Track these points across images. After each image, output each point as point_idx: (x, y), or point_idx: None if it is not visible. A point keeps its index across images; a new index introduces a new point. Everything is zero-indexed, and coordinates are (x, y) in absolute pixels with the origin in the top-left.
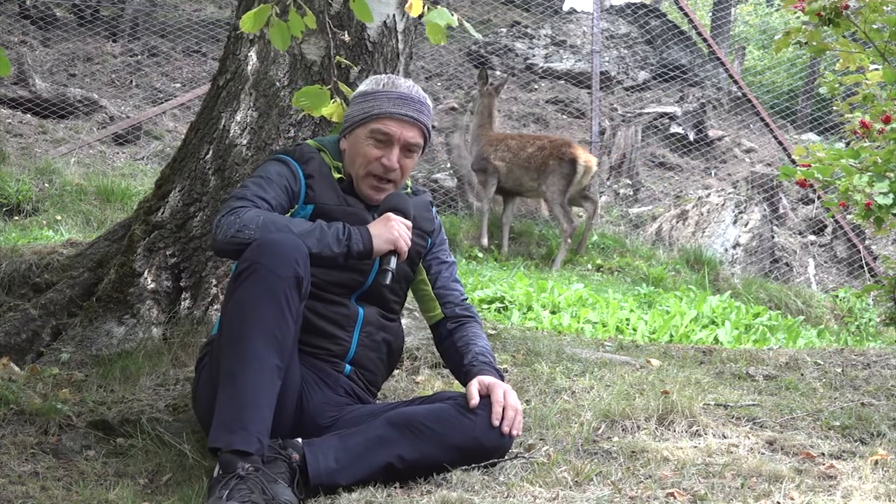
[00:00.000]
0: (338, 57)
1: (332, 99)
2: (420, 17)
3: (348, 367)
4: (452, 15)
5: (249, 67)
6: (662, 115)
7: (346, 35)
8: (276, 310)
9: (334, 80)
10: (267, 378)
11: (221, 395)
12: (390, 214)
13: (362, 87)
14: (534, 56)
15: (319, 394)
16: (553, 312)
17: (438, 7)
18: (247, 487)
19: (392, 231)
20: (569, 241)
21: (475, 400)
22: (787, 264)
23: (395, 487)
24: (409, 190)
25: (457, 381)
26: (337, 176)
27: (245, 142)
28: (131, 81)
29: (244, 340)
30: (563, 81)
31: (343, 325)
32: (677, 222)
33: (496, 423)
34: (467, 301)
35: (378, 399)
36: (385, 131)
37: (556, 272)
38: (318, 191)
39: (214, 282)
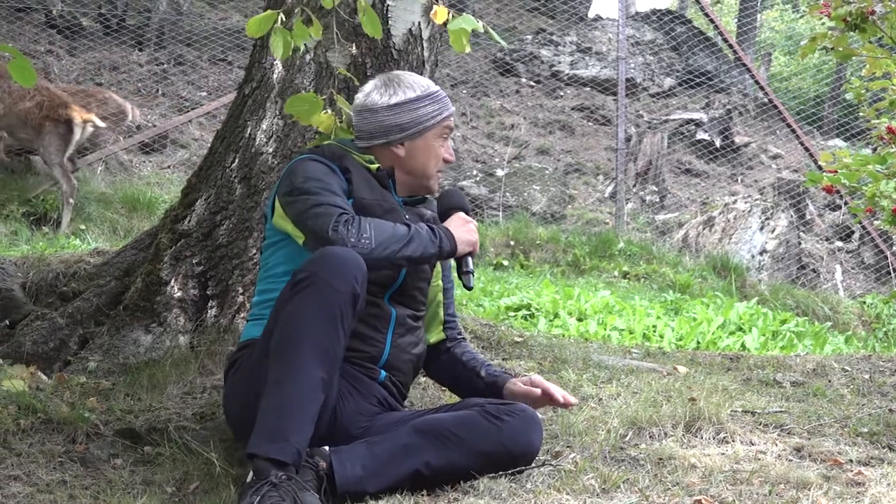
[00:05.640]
0: (341, 69)
1: (324, 109)
2: (444, 24)
3: (383, 373)
4: (478, 22)
5: (275, 76)
6: (688, 121)
7: (354, 47)
8: (330, 324)
9: (330, 91)
10: (313, 391)
11: (266, 403)
12: (464, 215)
13: (409, 93)
14: (559, 63)
15: (352, 403)
16: (580, 319)
17: (463, 14)
18: (278, 495)
19: (472, 233)
20: (71, 201)
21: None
22: (814, 270)
23: (422, 495)
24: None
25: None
26: (374, 167)
27: (271, 150)
28: (157, 90)
29: (295, 351)
30: (588, 88)
31: (377, 327)
32: (704, 229)
33: (560, 398)
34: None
35: (405, 406)
36: (451, 126)
37: (63, 234)
38: (356, 185)
39: (241, 290)
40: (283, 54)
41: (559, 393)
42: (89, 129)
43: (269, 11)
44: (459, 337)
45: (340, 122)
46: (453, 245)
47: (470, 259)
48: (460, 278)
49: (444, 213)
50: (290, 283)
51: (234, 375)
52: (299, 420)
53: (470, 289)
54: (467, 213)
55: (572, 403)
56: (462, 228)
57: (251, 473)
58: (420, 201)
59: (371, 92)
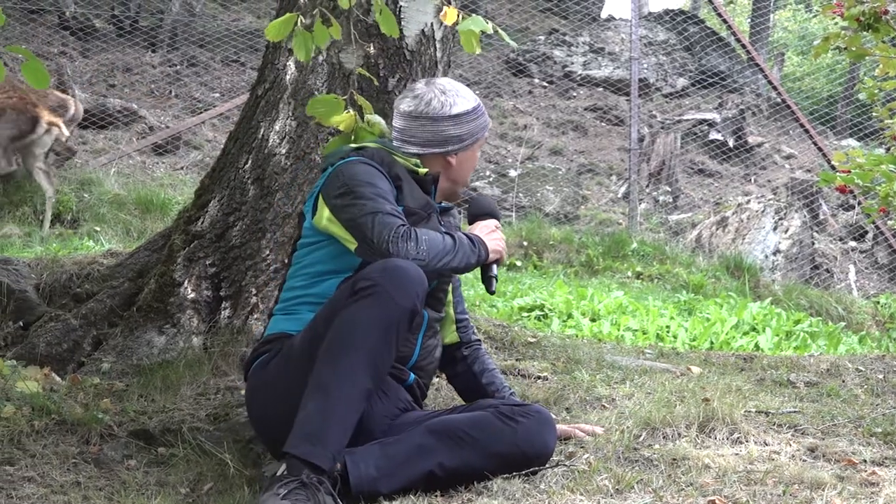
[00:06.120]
0: (359, 69)
1: (345, 109)
2: (455, 25)
3: (412, 375)
4: (487, 23)
5: (288, 77)
6: (701, 121)
7: (372, 46)
8: (386, 337)
9: (351, 91)
10: (358, 400)
11: (309, 404)
12: (492, 222)
13: (467, 104)
14: (572, 63)
15: (378, 405)
16: (593, 320)
17: (473, 15)
18: (305, 495)
19: (500, 241)
20: (50, 199)
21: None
22: (827, 270)
23: (436, 496)
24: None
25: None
26: (422, 171)
27: (284, 151)
28: (170, 91)
29: (347, 358)
30: (601, 89)
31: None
32: (717, 229)
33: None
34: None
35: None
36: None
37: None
38: (405, 192)
39: (254, 291)
40: (305, 56)
41: (588, 430)
42: (54, 131)
43: (288, 14)
44: (475, 340)
45: (362, 122)
46: (487, 254)
47: (495, 265)
48: (483, 282)
49: (475, 219)
50: (349, 287)
51: (261, 371)
52: (340, 427)
53: (492, 293)
54: (498, 220)
55: (598, 434)
56: (490, 236)
57: (283, 467)
58: (449, 207)
59: (431, 99)
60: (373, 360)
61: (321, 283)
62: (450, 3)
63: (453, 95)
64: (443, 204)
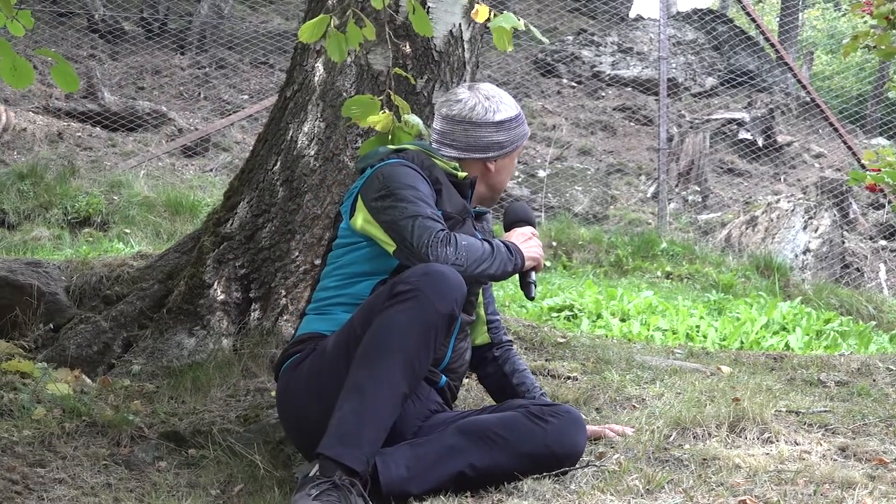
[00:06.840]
0: (396, 69)
1: (381, 109)
2: (486, 22)
3: (444, 377)
4: (519, 20)
5: (316, 78)
6: (730, 121)
7: (408, 46)
8: (424, 342)
9: (387, 91)
10: (393, 403)
11: (345, 406)
12: (527, 230)
13: (510, 111)
14: (601, 63)
15: (410, 407)
16: (623, 320)
17: (505, 12)
18: (336, 497)
19: (536, 248)
20: None
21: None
22: (857, 269)
23: (466, 496)
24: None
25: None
26: (462, 175)
27: (313, 152)
28: (199, 94)
29: (384, 361)
30: (630, 88)
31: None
32: (747, 228)
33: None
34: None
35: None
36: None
37: None
38: (444, 196)
39: (283, 292)
40: (340, 56)
41: (618, 431)
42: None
43: (321, 16)
44: (506, 341)
45: (399, 123)
46: (523, 262)
47: (533, 272)
48: (522, 289)
49: (511, 226)
50: (387, 290)
51: (293, 371)
52: (375, 429)
53: (532, 299)
54: (534, 227)
55: (628, 434)
56: (527, 244)
57: (316, 467)
58: (483, 212)
59: (475, 105)
60: (410, 364)
61: (356, 284)
62: (480, 2)
63: (497, 102)
64: (477, 209)
